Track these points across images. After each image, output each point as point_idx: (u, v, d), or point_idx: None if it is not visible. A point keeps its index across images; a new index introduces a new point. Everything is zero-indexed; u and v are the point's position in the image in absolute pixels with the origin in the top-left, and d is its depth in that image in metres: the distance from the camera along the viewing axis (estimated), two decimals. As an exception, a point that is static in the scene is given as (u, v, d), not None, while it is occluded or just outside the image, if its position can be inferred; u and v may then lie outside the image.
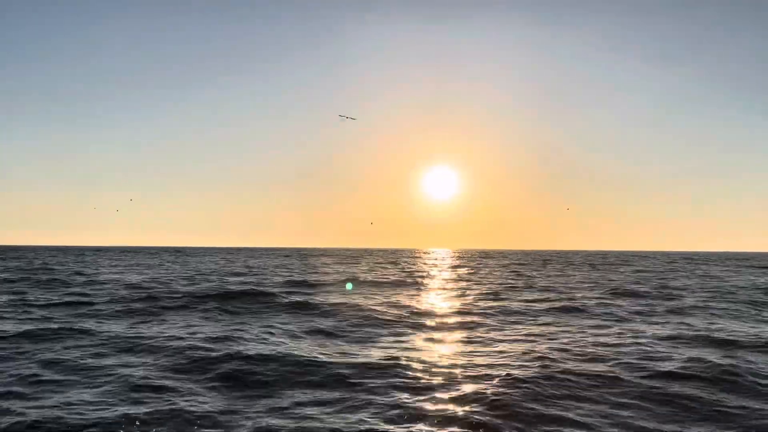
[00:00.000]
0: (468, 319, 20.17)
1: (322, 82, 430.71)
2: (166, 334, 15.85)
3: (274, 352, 13.18)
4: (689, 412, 9.51)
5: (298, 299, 24.75)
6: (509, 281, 40.77)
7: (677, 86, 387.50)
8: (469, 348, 14.73)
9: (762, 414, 9.34)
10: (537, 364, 12.24)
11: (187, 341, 14.58)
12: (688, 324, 18.90)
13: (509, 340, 15.98)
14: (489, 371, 11.67)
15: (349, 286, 34.22)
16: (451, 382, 10.97)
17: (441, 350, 14.50)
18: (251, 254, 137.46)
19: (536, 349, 14.17)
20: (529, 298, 27.57)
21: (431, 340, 16.13)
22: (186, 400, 9.73)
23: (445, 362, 12.72)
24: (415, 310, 22.26)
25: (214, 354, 12.92)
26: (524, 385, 10.46)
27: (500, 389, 10.21)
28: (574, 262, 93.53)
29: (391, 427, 8.57)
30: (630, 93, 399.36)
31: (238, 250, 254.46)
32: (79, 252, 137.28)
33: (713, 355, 13.26)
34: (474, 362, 12.68)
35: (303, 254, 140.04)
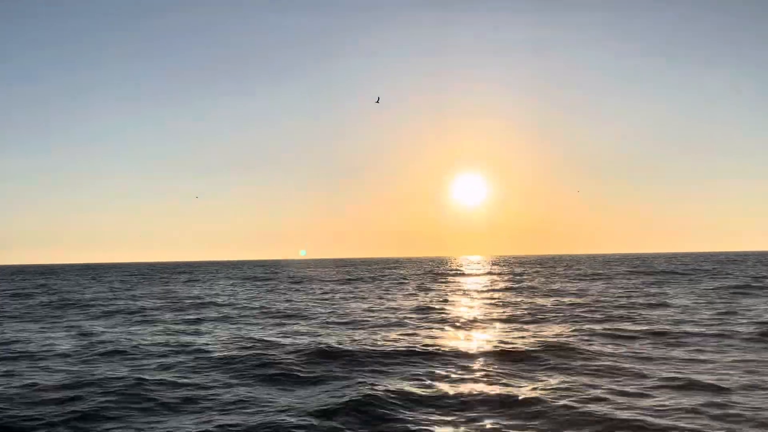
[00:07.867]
0: None
1: (345, 87, 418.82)
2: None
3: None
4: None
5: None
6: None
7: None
8: None
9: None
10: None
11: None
12: None
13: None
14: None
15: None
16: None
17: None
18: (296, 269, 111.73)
19: None
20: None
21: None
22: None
23: None
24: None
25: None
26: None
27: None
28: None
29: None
30: (661, 88, 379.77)
31: (258, 263, 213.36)
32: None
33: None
34: None
35: (349, 266, 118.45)
